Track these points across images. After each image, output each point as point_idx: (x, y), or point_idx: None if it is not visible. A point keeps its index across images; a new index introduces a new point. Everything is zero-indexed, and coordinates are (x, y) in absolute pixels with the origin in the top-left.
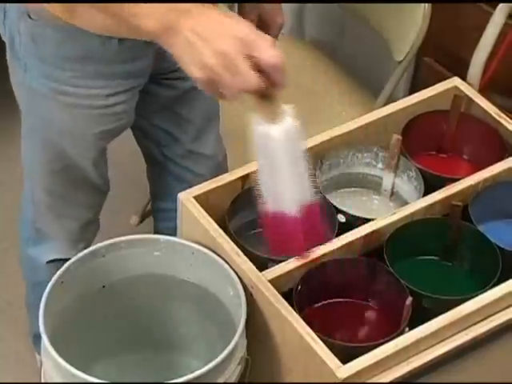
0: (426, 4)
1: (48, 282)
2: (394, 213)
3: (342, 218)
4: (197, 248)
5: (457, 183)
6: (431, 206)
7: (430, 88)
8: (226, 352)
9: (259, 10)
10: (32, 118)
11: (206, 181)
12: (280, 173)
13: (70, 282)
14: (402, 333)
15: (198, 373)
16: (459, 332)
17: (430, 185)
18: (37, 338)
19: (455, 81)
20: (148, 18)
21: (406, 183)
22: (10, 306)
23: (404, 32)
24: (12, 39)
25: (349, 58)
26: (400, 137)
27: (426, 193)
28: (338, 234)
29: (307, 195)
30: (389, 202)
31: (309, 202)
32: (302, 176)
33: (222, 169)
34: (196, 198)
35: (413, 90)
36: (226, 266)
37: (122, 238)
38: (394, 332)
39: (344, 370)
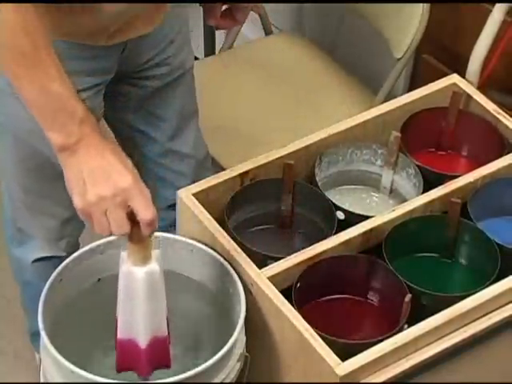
0: None
1: (36, 282)
2: (393, 210)
3: (341, 216)
4: (196, 245)
5: (456, 180)
6: (430, 203)
7: (429, 85)
8: (225, 349)
9: None
10: (2, 117)
11: (188, 180)
12: (136, 308)
13: (69, 279)
14: (401, 330)
15: (197, 370)
16: (458, 329)
17: (429, 182)
18: (34, 337)
19: (454, 78)
20: (58, 133)
21: (405, 180)
22: (9, 304)
23: (403, 29)
24: None
25: (348, 55)
26: (399, 134)
27: (425, 190)
28: (337, 232)
29: (159, 328)
30: (388, 199)
31: (160, 335)
32: (158, 312)
33: (203, 167)
34: (195, 194)
35: (412, 87)
36: (225, 263)
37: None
38: (393, 329)
39: (343, 367)
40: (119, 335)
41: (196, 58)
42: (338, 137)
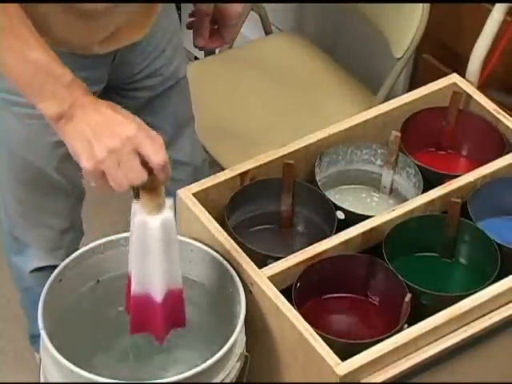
0: None
1: (35, 288)
2: (393, 210)
3: (341, 215)
4: (195, 245)
5: (456, 180)
6: (430, 202)
7: (429, 85)
8: (225, 349)
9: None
10: None
11: (185, 186)
12: (151, 260)
13: (69, 279)
14: (401, 329)
15: (197, 369)
16: (458, 329)
17: (429, 181)
18: (34, 338)
19: (454, 77)
20: (50, 101)
21: (405, 180)
22: (9, 303)
23: (403, 29)
24: None
25: (348, 55)
26: (399, 133)
27: (425, 189)
28: (337, 231)
29: (174, 281)
30: (388, 199)
31: (175, 287)
32: (173, 263)
33: (200, 173)
34: (195, 194)
35: (412, 86)
36: (225, 262)
37: (121, 235)
38: (393, 329)
39: (343, 367)
40: (133, 291)
41: (196, 58)
42: (338, 137)
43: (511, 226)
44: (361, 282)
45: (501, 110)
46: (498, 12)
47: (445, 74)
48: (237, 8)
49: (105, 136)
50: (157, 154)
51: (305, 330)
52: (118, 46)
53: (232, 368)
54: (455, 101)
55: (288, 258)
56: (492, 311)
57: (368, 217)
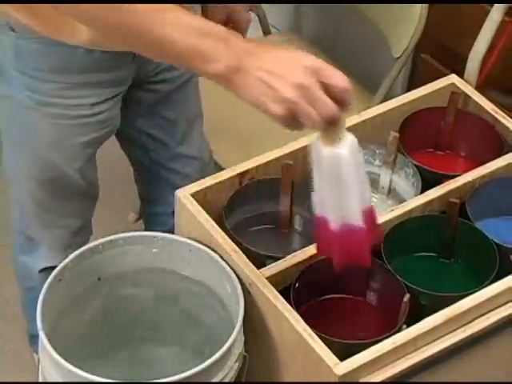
0: None
1: (40, 288)
2: (392, 210)
3: None
4: (194, 245)
5: (454, 180)
6: (429, 202)
7: (428, 85)
8: (223, 349)
9: (227, 9)
10: (16, 130)
11: (193, 181)
12: (347, 189)
13: (68, 279)
14: (399, 330)
15: (195, 370)
16: (457, 329)
17: (428, 182)
18: (34, 339)
19: (452, 78)
20: (216, 62)
21: (403, 180)
22: (8, 303)
23: (402, 28)
24: None
25: (346, 55)
26: (397, 134)
27: (424, 190)
28: None
29: (365, 200)
30: (386, 199)
31: (353, 223)
32: (364, 184)
33: (208, 168)
34: (193, 195)
35: (410, 86)
36: (224, 263)
37: (120, 235)
38: (391, 329)
39: (342, 367)
40: (316, 210)
41: None
42: None
43: (509, 226)
44: (359, 282)
45: (499, 110)
46: (496, 12)
47: (443, 75)
48: (248, 16)
49: (287, 74)
50: (341, 77)
51: (303, 330)
52: None
53: (231, 368)
54: (454, 101)
55: (287, 258)
56: (490, 311)
57: None
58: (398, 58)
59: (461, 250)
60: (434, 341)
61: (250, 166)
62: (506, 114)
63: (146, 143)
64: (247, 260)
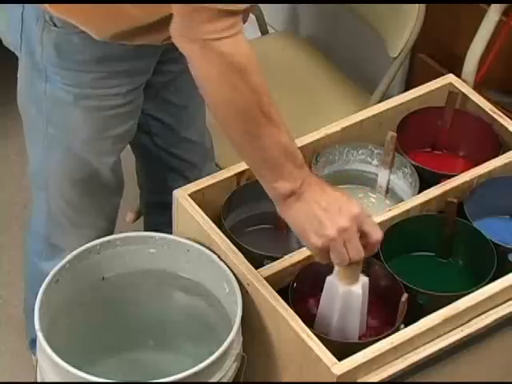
0: None
1: None
2: (390, 209)
3: None
4: (192, 245)
5: (452, 180)
6: (427, 202)
7: (425, 85)
8: (222, 349)
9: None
10: (52, 129)
11: (197, 169)
12: (353, 320)
13: (65, 280)
14: (397, 329)
15: (194, 370)
16: (455, 328)
17: (426, 181)
18: (33, 343)
19: (450, 77)
20: (286, 183)
21: (401, 180)
22: (6, 304)
23: (399, 28)
24: (31, 51)
25: (343, 55)
26: (395, 133)
27: (422, 189)
28: None
29: (362, 329)
30: (384, 199)
31: (363, 333)
32: (364, 315)
33: (209, 156)
34: (191, 195)
35: (408, 86)
36: (222, 263)
37: (118, 236)
38: (389, 328)
39: (340, 367)
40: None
41: None
42: (334, 136)
43: (507, 226)
44: None
45: (497, 110)
46: (493, 12)
47: (441, 74)
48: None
49: (335, 215)
50: (377, 231)
51: (301, 330)
52: None
53: (229, 368)
54: (451, 101)
55: (284, 258)
56: (488, 311)
57: None
58: (395, 57)
59: (459, 250)
60: (432, 340)
61: (247, 166)
62: (504, 113)
63: (151, 127)
64: (245, 260)
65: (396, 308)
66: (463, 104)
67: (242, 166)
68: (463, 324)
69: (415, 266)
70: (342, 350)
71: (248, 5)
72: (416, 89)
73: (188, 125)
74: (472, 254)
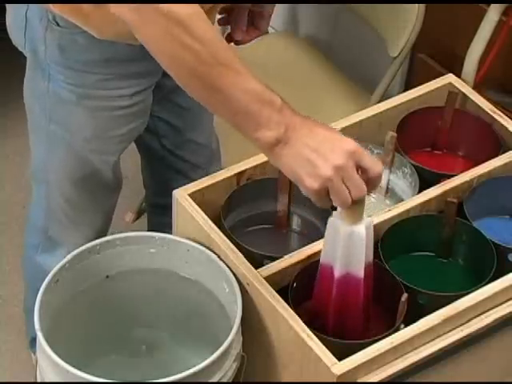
0: None
1: None
2: (390, 209)
3: None
4: (192, 245)
5: (452, 179)
6: (426, 202)
7: (425, 85)
8: (221, 349)
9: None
10: (54, 127)
11: (202, 171)
12: (356, 256)
13: (65, 280)
14: (397, 329)
15: (194, 369)
16: (455, 328)
17: (425, 181)
18: (34, 342)
19: (450, 77)
20: (268, 131)
21: (401, 180)
22: (6, 304)
23: (399, 28)
24: (35, 50)
25: (343, 54)
26: (395, 133)
27: (421, 189)
28: None
29: (355, 266)
30: (384, 199)
31: (354, 271)
32: (371, 249)
33: (215, 158)
34: (191, 195)
35: (407, 86)
36: (221, 262)
37: (118, 236)
38: (389, 328)
39: (339, 367)
40: (322, 259)
41: None
42: None
43: (507, 226)
44: None
45: (497, 110)
46: (493, 12)
47: (441, 74)
48: (270, 10)
49: (328, 154)
50: (376, 164)
51: (301, 330)
52: None
53: (229, 368)
54: (451, 101)
55: (284, 258)
56: (488, 310)
57: None
58: (395, 57)
59: (458, 250)
60: (432, 340)
61: (247, 166)
62: (504, 113)
63: (158, 128)
64: (245, 260)
65: (396, 308)
66: (463, 104)
67: (242, 166)
68: (463, 324)
69: (415, 265)
70: (341, 350)
71: None
72: (416, 89)
73: (195, 127)
74: (472, 254)
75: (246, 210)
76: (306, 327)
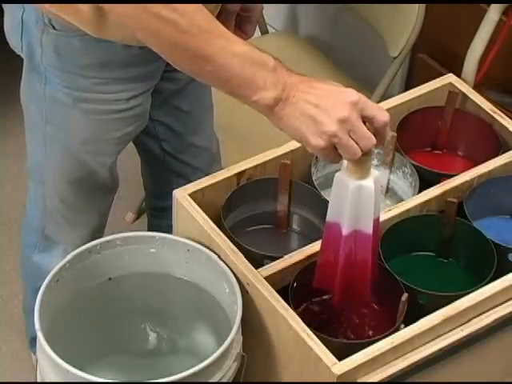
0: None
1: None
2: (390, 209)
3: None
4: (192, 245)
5: (452, 179)
6: (427, 202)
7: (425, 84)
8: (221, 349)
9: None
10: (51, 129)
11: (203, 174)
12: (367, 211)
13: (65, 280)
14: (397, 329)
15: (194, 369)
16: (455, 328)
17: (426, 181)
18: (34, 342)
19: (450, 77)
20: (265, 92)
21: (401, 180)
22: (6, 304)
23: (399, 28)
24: (31, 53)
25: (343, 54)
26: (395, 133)
27: (422, 189)
28: None
29: (378, 210)
30: (384, 199)
31: (363, 228)
32: (378, 205)
33: (216, 160)
34: (191, 194)
35: (408, 86)
36: (222, 262)
37: (118, 236)
38: (389, 328)
39: (340, 367)
40: (328, 218)
41: None
42: None
43: (507, 225)
44: None
45: (497, 110)
46: (493, 12)
47: (441, 74)
48: (261, 4)
49: (330, 108)
50: (383, 112)
51: (302, 330)
52: None
53: (229, 368)
54: (451, 100)
55: (284, 258)
56: (488, 310)
57: None
58: (395, 57)
59: (459, 250)
60: (432, 340)
61: (247, 166)
62: (504, 113)
63: (159, 133)
64: (245, 260)
65: (396, 308)
66: (463, 104)
67: (242, 166)
68: (463, 324)
69: (415, 265)
70: (341, 350)
71: None
72: (416, 89)
73: (196, 130)
74: (472, 253)
75: (246, 210)
76: (306, 327)
